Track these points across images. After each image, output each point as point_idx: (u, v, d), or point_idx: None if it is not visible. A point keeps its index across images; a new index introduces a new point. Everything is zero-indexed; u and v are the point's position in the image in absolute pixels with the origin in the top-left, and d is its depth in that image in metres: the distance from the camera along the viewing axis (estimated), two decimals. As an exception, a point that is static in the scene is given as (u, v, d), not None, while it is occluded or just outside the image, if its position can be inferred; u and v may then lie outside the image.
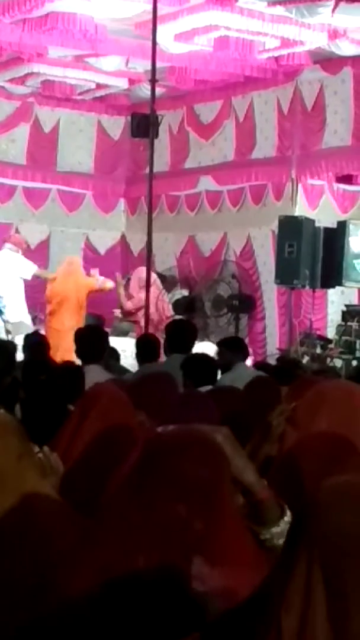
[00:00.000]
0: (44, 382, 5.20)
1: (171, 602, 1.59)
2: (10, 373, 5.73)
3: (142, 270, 14.47)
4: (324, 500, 1.65)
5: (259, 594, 1.64)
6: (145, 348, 7.57)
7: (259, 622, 1.59)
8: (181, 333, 7.23)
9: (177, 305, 13.09)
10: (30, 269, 13.25)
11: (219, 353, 7.61)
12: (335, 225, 12.18)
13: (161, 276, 13.71)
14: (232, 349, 7.55)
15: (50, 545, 2.05)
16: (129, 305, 12.62)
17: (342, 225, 12.00)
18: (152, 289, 10.71)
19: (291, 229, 11.96)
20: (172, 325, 7.63)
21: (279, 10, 11.01)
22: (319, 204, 14.23)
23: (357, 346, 11.97)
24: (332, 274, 11.86)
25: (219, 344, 8.09)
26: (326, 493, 1.67)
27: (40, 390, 4.79)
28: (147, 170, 9.88)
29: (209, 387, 5.17)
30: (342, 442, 2.61)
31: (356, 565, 1.60)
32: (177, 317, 11.97)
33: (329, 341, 12.66)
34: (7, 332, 11.99)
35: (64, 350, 10.05)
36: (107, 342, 7.75)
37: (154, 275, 14.39)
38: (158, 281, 12.62)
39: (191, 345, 7.24)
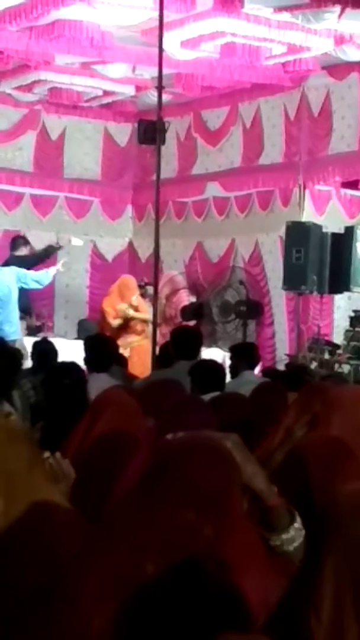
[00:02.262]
0: (69, 386, 5.16)
1: (200, 599, 1.58)
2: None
3: (169, 276, 14.60)
4: (344, 509, 1.66)
5: (285, 601, 1.65)
6: (162, 354, 7.61)
7: (289, 629, 1.59)
8: (187, 340, 7.24)
9: (185, 312, 13.10)
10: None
11: (230, 359, 7.64)
12: (342, 231, 12.18)
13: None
14: (239, 355, 7.56)
15: (59, 553, 2.05)
16: (171, 312, 12.66)
17: (350, 231, 12.00)
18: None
19: (299, 235, 11.96)
20: (179, 332, 7.64)
21: (285, 16, 11.01)
22: (326, 210, 14.22)
23: (366, 351, 11.96)
24: (340, 279, 11.86)
25: (230, 350, 8.14)
26: (346, 502, 1.68)
27: (66, 395, 4.77)
28: (155, 176, 9.88)
29: (217, 393, 5.16)
30: (343, 446, 2.62)
31: None
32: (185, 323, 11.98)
33: (337, 347, 12.65)
34: None
35: None
36: (116, 350, 7.77)
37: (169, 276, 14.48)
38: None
39: (198, 351, 7.26)
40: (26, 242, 14.55)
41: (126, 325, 12.76)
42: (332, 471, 2.45)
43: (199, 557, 1.77)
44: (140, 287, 13.29)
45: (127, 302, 12.81)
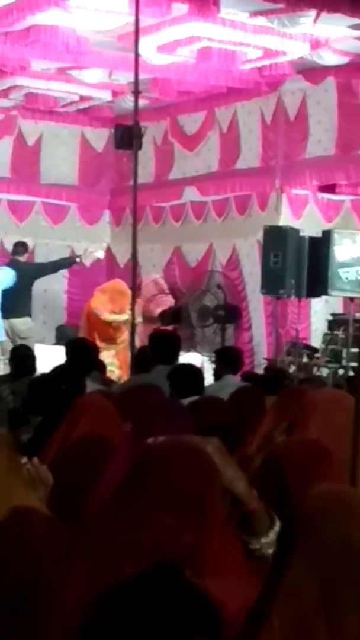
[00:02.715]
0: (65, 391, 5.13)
1: (174, 603, 1.58)
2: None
3: (153, 278, 14.66)
4: (311, 510, 1.66)
5: (257, 603, 1.64)
6: (140, 359, 7.60)
7: (255, 631, 1.59)
8: (166, 344, 7.23)
9: (164, 316, 13.10)
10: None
11: (214, 362, 7.65)
12: (320, 235, 12.20)
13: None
14: (223, 359, 7.57)
15: (38, 558, 2.04)
16: (156, 309, 12.72)
17: (327, 235, 12.01)
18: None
19: (276, 239, 11.96)
20: (156, 337, 7.62)
21: (261, 20, 11.03)
22: (303, 214, 14.25)
23: (344, 355, 11.99)
24: (318, 283, 11.87)
25: (214, 354, 8.16)
26: (313, 503, 1.68)
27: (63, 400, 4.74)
28: (132, 181, 9.87)
29: (196, 398, 5.16)
30: (320, 449, 2.62)
31: (348, 570, 1.62)
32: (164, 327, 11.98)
33: (315, 350, 12.68)
34: None
35: None
36: (96, 355, 7.76)
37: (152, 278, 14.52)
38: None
39: (176, 356, 7.25)
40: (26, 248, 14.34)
41: (117, 327, 12.87)
42: (310, 475, 2.45)
43: (177, 562, 1.77)
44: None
45: (118, 307, 12.89)
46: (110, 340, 13.11)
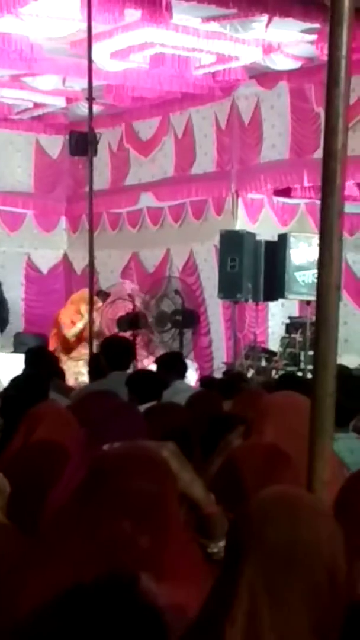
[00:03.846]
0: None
1: (124, 613, 1.58)
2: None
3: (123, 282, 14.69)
4: (256, 513, 1.67)
5: (204, 609, 1.65)
6: (94, 365, 7.56)
7: (205, 636, 1.60)
8: (119, 350, 7.20)
9: (121, 322, 13.09)
10: None
11: (157, 371, 7.56)
12: (275, 239, 12.25)
13: (104, 294, 13.73)
14: (166, 366, 7.52)
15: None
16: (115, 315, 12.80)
17: (283, 238, 12.06)
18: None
19: (233, 243, 11.99)
20: (109, 343, 7.57)
21: (214, 26, 11.07)
22: (259, 218, 14.31)
23: (302, 358, 12.04)
24: (275, 286, 11.91)
25: (155, 363, 8.05)
26: (258, 505, 1.69)
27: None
28: (88, 188, 9.86)
29: (153, 403, 5.16)
30: (277, 452, 2.64)
31: (293, 572, 1.63)
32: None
33: (274, 354, 12.71)
34: None
35: None
36: (56, 363, 7.73)
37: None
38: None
39: (130, 361, 7.23)
40: None
41: (81, 337, 12.86)
42: (268, 479, 2.46)
43: (134, 566, 1.77)
44: (100, 294, 13.33)
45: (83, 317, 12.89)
46: (72, 351, 13.15)
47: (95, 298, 12.05)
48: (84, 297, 13.38)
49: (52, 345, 13.51)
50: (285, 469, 2.58)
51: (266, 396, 3.20)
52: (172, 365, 7.53)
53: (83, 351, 12.48)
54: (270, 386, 6.12)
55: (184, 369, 7.65)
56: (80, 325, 13.06)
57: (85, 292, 13.82)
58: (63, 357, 12.82)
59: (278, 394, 3.55)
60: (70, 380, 11.63)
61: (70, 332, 13.11)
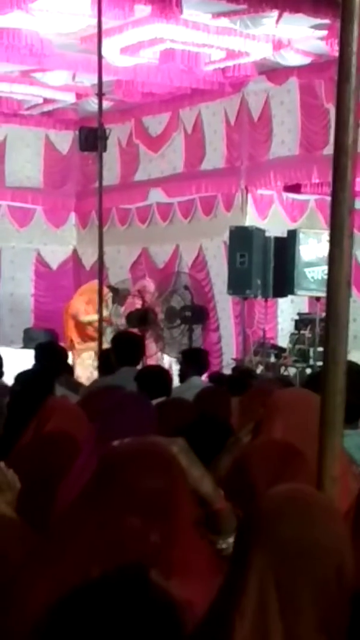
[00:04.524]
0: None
1: (138, 606, 1.59)
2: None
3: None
4: (267, 509, 1.68)
5: (213, 604, 1.66)
6: (103, 361, 7.57)
7: (215, 633, 1.60)
8: (129, 345, 7.20)
9: (131, 318, 13.09)
10: None
11: (179, 364, 7.63)
12: (285, 235, 12.24)
13: (113, 289, 13.72)
14: (188, 360, 7.57)
15: (5, 562, 2.04)
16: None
17: (292, 235, 12.05)
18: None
19: (242, 239, 11.99)
20: (119, 338, 7.56)
21: (224, 22, 11.06)
22: (268, 214, 14.31)
23: (311, 354, 12.03)
24: (284, 283, 11.91)
25: (180, 355, 8.14)
26: (269, 502, 1.70)
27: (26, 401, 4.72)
28: (97, 183, 9.86)
29: (162, 399, 5.16)
30: (290, 449, 2.64)
31: (302, 568, 1.64)
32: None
33: (283, 350, 12.71)
34: None
35: None
36: (65, 358, 7.73)
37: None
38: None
39: (140, 357, 7.23)
40: None
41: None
42: (280, 477, 2.46)
43: (143, 562, 1.78)
44: (111, 289, 13.34)
45: (95, 308, 12.88)
46: (90, 340, 13.12)
47: (106, 290, 12.09)
48: (92, 289, 13.38)
49: (68, 337, 13.47)
50: (299, 467, 2.58)
51: (277, 392, 3.19)
52: (195, 360, 7.56)
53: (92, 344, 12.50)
54: (285, 382, 6.13)
55: (204, 365, 7.67)
56: (95, 316, 13.03)
57: (93, 283, 13.84)
58: (80, 347, 12.85)
59: (290, 390, 3.54)
60: (86, 373, 11.68)
61: (87, 317, 13.12)
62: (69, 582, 1.76)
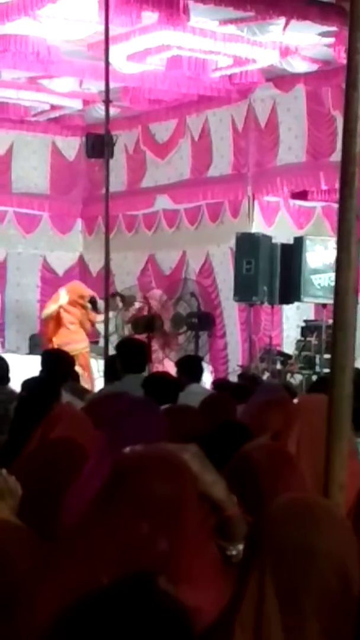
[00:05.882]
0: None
1: (147, 613, 1.59)
2: None
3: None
4: (272, 518, 1.68)
5: (222, 611, 1.66)
6: (109, 368, 7.56)
7: (215, 637, 1.60)
8: (134, 352, 7.18)
9: (137, 324, 13.08)
10: None
11: (176, 374, 7.59)
12: (291, 241, 12.24)
13: (119, 295, 13.71)
14: (183, 369, 7.53)
15: (10, 569, 2.04)
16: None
17: (299, 241, 12.05)
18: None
19: (248, 246, 11.99)
20: (124, 345, 7.53)
21: (231, 29, 11.08)
22: (275, 221, 14.31)
23: (317, 361, 12.01)
24: (290, 289, 11.91)
25: (175, 365, 8.11)
26: (275, 511, 1.70)
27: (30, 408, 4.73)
28: (104, 190, 9.87)
29: (168, 406, 5.16)
30: (282, 452, 2.64)
31: (306, 577, 1.63)
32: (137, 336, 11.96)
33: (289, 357, 12.69)
34: None
35: None
36: (72, 365, 7.71)
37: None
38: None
39: (145, 364, 7.21)
40: None
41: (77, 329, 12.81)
42: (276, 478, 2.47)
43: (152, 569, 1.78)
44: (118, 295, 13.30)
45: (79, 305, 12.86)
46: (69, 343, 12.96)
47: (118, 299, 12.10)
48: (75, 290, 13.27)
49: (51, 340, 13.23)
50: (290, 469, 2.58)
51: (292, 403, 3.19)
52: (191, 368, 7.54)
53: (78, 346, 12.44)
54: (290, 389, 6.11)
55: (200, 372, 7.66)
56: (53, 306, 12.84)
57: (75, 283, 13.77)
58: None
59: (306, 397, 3.53)
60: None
61: (43, 313, 13.03)
62: (78, 589, 1.76)
